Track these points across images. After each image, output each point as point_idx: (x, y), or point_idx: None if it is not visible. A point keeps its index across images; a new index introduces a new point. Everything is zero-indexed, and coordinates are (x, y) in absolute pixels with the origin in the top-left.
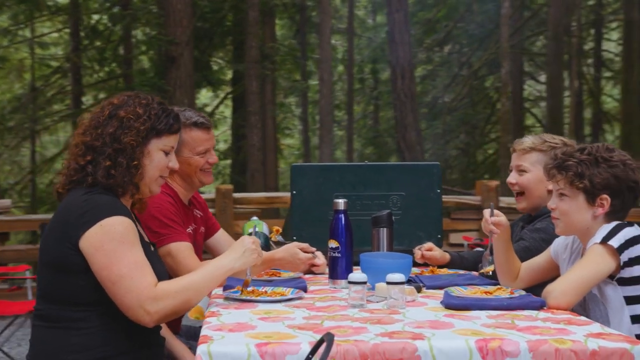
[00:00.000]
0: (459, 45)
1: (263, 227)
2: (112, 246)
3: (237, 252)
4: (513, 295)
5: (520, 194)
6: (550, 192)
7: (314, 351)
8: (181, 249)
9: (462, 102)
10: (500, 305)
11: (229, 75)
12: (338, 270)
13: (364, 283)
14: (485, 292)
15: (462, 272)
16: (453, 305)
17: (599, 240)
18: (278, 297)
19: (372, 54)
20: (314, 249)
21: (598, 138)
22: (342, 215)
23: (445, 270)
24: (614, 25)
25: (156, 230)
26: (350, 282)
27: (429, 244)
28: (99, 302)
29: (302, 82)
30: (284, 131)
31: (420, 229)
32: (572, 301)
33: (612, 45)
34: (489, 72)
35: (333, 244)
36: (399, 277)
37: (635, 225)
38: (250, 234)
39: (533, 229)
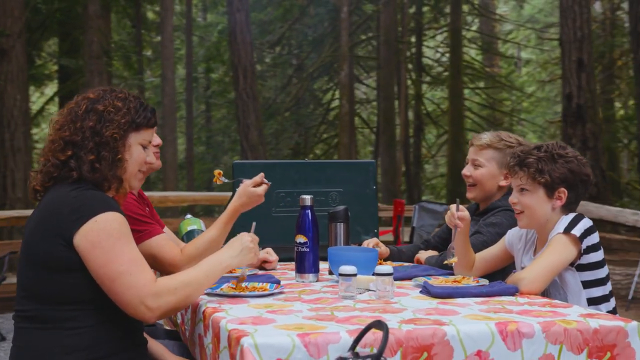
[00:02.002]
0: (288, 47)
1: (201, 224)
2: (110, 243)
3: (234, 249)
4: (480, 284)
5: (472, 185)
6: (500, 187)
7: (358, 339)
8: (161, 243)
9: (296, 104)
10: (479, 292)
11: (51, 70)
12: (306, 264)
13: (355, 275)
14: (454, 281)
15: (406, 264)
16: (437, 293)
17: (562, 230)
18: (262, 292)
19: (207, 53)
20: (261, 175)
21: (420, 138)
22: (309, 210)
23: (390, 263)
24: (431, 33)
25: (132, 228)
26: (341, 275)
27: (375, 240)
28: (90, 300)
29: (140, 80)
30: None
31: (358, 224)
32: (542, 287)
33: (430, 52)
34: (319, 75)
35: (301, 238)
36: (387, 268)
37: (586, 217)
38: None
39: (489, 223)
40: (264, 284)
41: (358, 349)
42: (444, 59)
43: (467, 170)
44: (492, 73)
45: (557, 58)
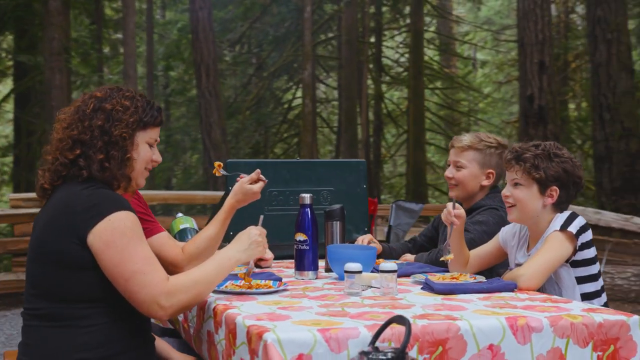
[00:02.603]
0: (248, 46)
1: (193, 223)
2: (124, 242)
3: (243, 243)
4: (477, 280)
5: (455, 185)
6: (482, 187)
7: (378, 334)
8: (162, 241)
9: (256, 103)
10: (480, 288)
11: (6, 66)
12: (305, 262)
13: (360, 272)
14: (453, 278)
15: (399, 261)
16: (440, 290)
17: (558, 228)
18: (266, 289)
19: (167, 51)
20: (257, 172)
21: (380, 138)
22: (308, 209)
23: (382, 261)
24: (390, 33)
25: None
26: (347, 272)
27: (369, 236)
28: (102, 298)
29: (100, 77)
30: None
31: (349, 222)
32: (540, 282)
33: (390, 52)
34: (279, 74)
35: (301, 237)
36: (391, 265)
37: (580, 215)
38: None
39: (475, 221)
40: (267, 281)
41: (377, 343)
42: (403, 59)
43: (449, 172)
44: (450, 74)
45: (513, 60)
